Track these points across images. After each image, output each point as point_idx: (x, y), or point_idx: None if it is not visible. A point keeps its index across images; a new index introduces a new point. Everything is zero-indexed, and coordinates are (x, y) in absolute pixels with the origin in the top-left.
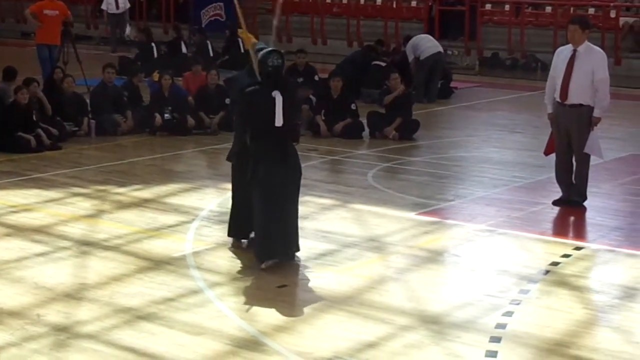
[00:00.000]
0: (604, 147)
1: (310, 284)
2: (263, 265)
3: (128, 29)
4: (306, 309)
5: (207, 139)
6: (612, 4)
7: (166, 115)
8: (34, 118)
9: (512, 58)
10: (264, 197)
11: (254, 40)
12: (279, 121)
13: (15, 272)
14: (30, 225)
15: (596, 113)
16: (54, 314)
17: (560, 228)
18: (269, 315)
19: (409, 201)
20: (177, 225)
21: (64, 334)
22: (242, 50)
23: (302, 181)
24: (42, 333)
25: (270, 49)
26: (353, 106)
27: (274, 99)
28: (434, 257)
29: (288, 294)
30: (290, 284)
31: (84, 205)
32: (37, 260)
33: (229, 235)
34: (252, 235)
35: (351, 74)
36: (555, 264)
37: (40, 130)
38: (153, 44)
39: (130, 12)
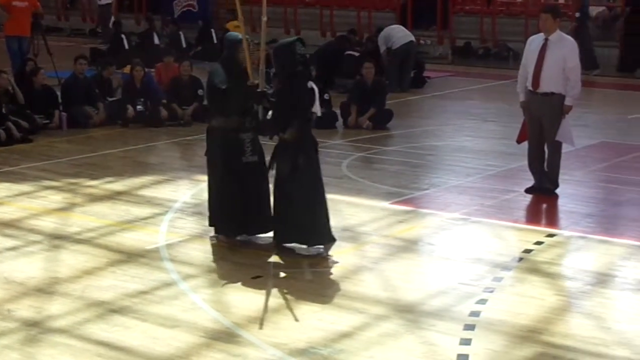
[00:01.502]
0: (576, 134)
1: (284, 275)
2: (325, 253)
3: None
4: (281, 300)
5: (180, 131)
6: None
7: (138, 106)
8: (4, 111)
9: (484, 47)
10: (309, 185)
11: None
12: (319, 111)
13: None
14: (1, 219)
15: (567, 101)
16: (25, 309)
17: (533, 216)
18: (243, 307)
19: (383, 190)
20: (150, 217)
21: (36, 328)
22: (215, 41)
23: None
24: (12, 328)
25: (291, 38)
26: (326, 96)
27: (312, 89)
28: (408, 246)
29: (262, 285)
30: (265, 275)
31: (56, 199)
32: (8, 255)
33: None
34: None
35: (324, 64)
36: (528, 251)
37: (10, 124)
38: (123, 36)
39: None
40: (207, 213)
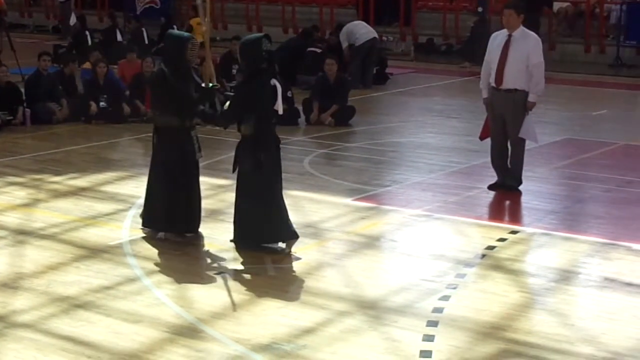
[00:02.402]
0: (539, 131)
1: (247, 271)
2: (288, 249)
3: (73, 18)
4: (244, 296)
5: (142, 127)
6: None
7: (101, 103)
8: None
9: (447, 44)
10: (269, 183)
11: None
12: (280, 109)
13: None
14: None
15: (531, 98)
16: None
17: (496, 212)
18: (206, 302)
19: (345, 187)
20: (113, 213)
21: (1, 323)
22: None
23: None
24: None
25: (258, 34)
26: (289, 93)
27: (274, 86)
28: (371, 242)
29: (225, 280)
30: (227, 271)
31: (20, 194)
32: None
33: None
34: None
35: (286, 61)
36: (491, 247)
37: None
38: (87, 32)
39: None
40: None
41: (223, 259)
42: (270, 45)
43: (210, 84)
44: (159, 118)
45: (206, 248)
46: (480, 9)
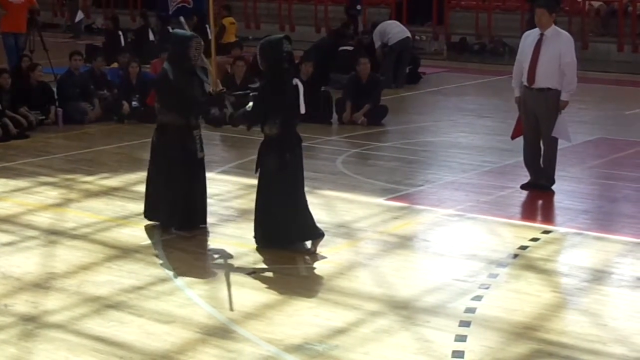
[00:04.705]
0: (572, 130)
1: (279, 271)
2: (315, 249)
3: (79, 16)
4: (275, 296)
5: None
6: None
7: (134, 102)
8: (1, 107)
9: (480, 43)
10: (293, 183)
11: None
12: (303, 108)
13: None
14: None
15: (563, 97)
16: (22, 304)
17: (528, 212)
18: (238, 303)
19: (377, 187)
20: None
21: (32, 323)
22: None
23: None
24: (9, 323)
25: (278, 35)
26: (322, 89)
27: (296, 86)
28: (403, 242)
29: (257, 280)
30: (259, 271)
31: (52, 194)
32: (5, 250)
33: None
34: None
35: (319, 60)
36: (523, 247)
37: (7, 120)
38: (120, 32)
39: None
40: None
41: (254, 259)
42: (291, 46)
43: (217, 89)
44: (164, 117)
45: (237, 248)
46: (352, 11)
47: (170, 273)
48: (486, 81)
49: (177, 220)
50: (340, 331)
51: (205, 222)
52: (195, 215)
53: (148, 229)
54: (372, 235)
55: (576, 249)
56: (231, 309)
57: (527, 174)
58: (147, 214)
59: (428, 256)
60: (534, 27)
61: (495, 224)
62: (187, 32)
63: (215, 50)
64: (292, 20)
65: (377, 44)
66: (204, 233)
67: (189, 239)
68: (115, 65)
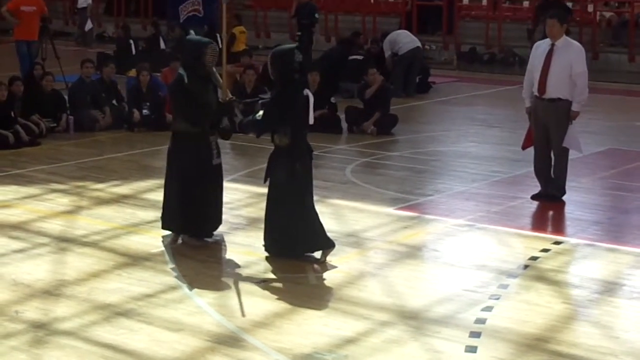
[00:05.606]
0: (583, 141)
1: (288, 280)
2: (323, 258)
3: (88, 25)
4: (285, 305)
5: None
6: None
7: (144, 110)
8: (13, 115)
9: (490, 52)
10: (303, 193)
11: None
12: (312, 119)
13: None
14: (8, 221)
15: (574, 107)
16: (33, 311)
17: (539, 222)
18: (248, 311)
19: (387, 196)
20: (155, 221)
21: (43, 330)
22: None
23: None
24: (20, 330)
25: (290, 46)
26: (332, 99)
27: (307, 96)
28: (413, 252)
29: (267, 289)
30: (269, 280)
31: (63, 202)
32: (15, 257)
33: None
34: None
35: (329, 69)
36: (534, 258)
37: (18, 127)
38: (131, 40)
39: (108, 8)
40: None
41: (263, 268)
42: (301, 56)
43: (227, 98)
44: (178, 124)
45: (247, 257)
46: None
47: (180, 281)
48: (496, 91)
49: (189, 228)
50: (350, 341)
51: (216, 229)
52: (207, 223)
53: (160, 236)
54: (382, 244)
55: (587, 260)
56: (242, 315)
57: (538, 184)
58: (164, 224)
59: (438, 266)
60: (534, 38)
61: (506, 234)
62: (203, 38)
63: (226, 59)
64: None
65: (387, 53)
66: (214, 241)
67: (199, 247)
68: (133, 73)
